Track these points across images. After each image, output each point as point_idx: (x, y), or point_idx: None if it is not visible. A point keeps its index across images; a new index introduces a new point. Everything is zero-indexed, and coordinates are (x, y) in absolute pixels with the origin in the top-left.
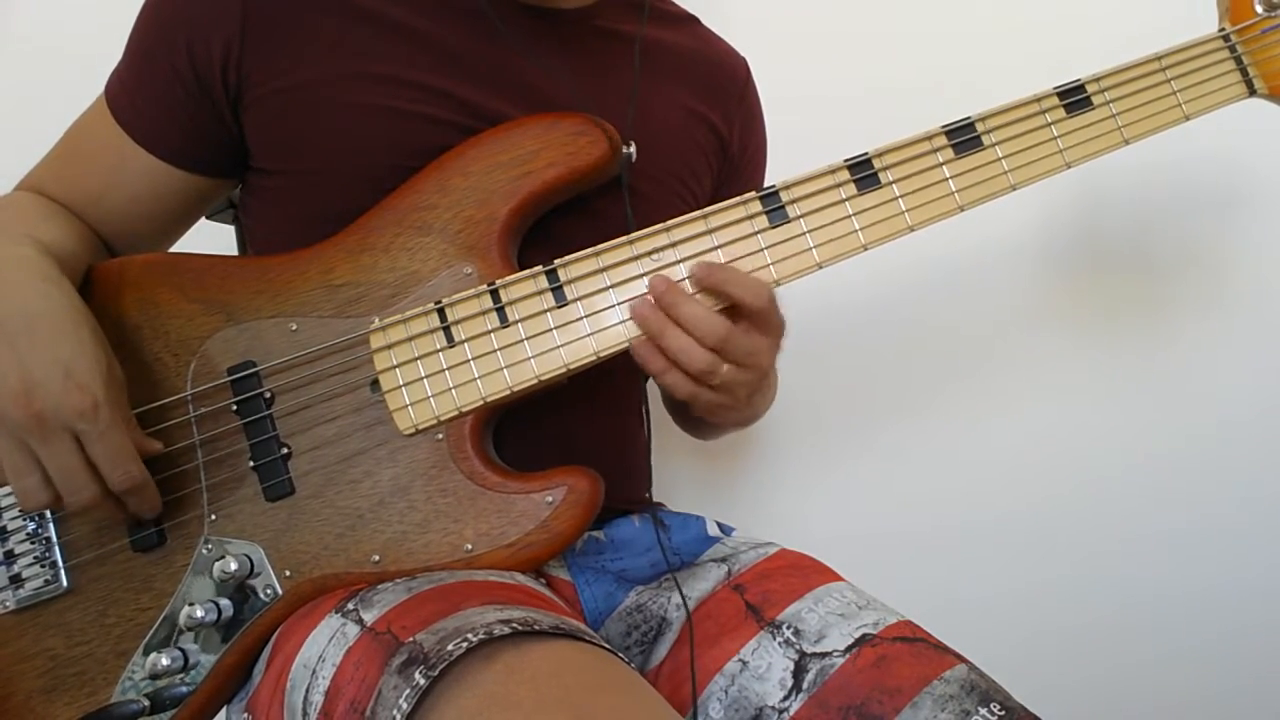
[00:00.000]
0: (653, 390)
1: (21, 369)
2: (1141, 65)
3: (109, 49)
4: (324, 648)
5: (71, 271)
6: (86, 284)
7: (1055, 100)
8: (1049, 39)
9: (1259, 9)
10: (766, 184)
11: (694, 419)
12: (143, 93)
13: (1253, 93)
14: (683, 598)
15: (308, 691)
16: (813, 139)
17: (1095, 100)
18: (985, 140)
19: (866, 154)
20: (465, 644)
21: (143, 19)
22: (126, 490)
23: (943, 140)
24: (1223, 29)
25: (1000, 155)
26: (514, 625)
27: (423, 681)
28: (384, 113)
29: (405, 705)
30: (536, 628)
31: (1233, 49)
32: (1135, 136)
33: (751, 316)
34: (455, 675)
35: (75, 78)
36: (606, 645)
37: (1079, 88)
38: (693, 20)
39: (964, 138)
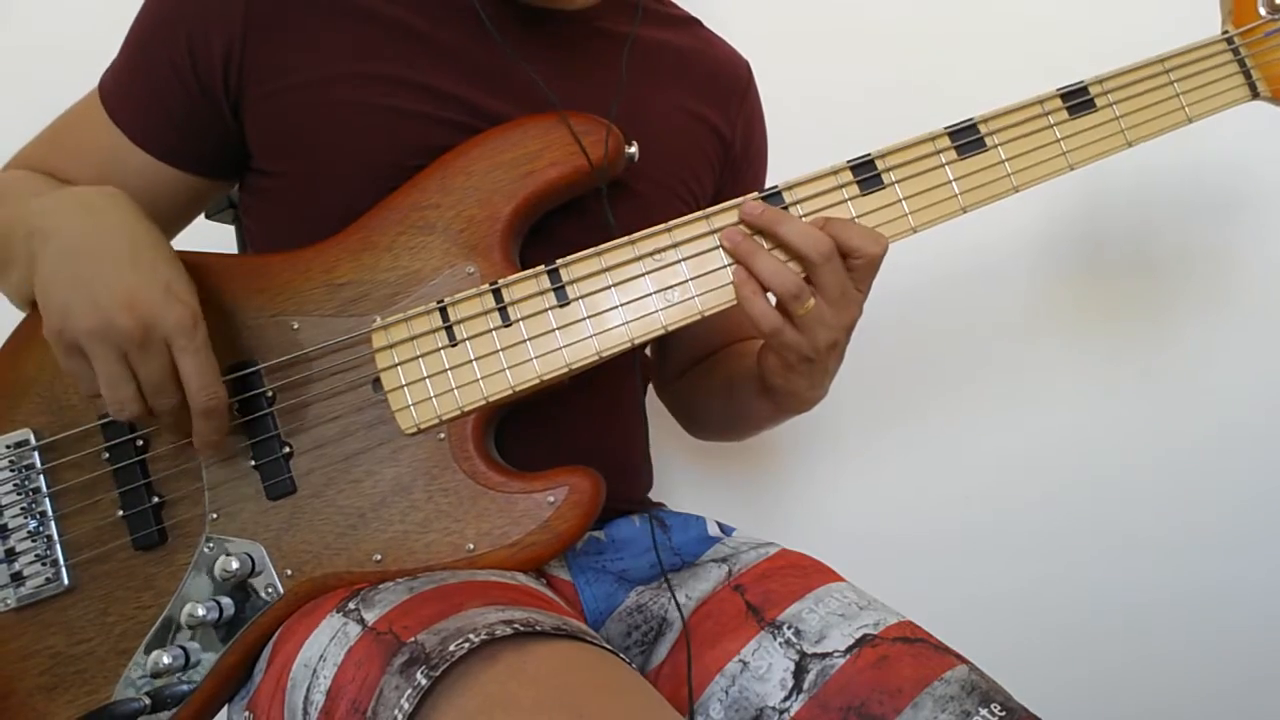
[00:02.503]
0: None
1: (125, 283)
2: (1145, 67)
3: (109, 48)
4: (325, 647)
5: None
6: None
7: (1058, 102)
8: (1052, 40)
9: (1263, 11)
10: (768, 184)
11: (713, 417)
12: (140, 90)
13: (1256, 95)
14: (677, 605)
15: (308, 691)
16: (814, 140)
17: (1099, 102)
18: (988, 142)
19: (869, 155)
20: (467, 644)
21: (142, 16)
22: (208, 410)
23: (946, 141)
24: (1226, 31)
25: (1003, 157)
26: (516, 626)
27: (424, 682)
28: (386, 112)
29: (407, 705)
30: (538, 628)
31: (1236, 51)
32: (1138, 139)
33: (859, 264)
34: (457, 675)
35: (75, 77)
36: (608, 646)
37: (1082, 89)
38: (694, 22)
39: (967, 139)
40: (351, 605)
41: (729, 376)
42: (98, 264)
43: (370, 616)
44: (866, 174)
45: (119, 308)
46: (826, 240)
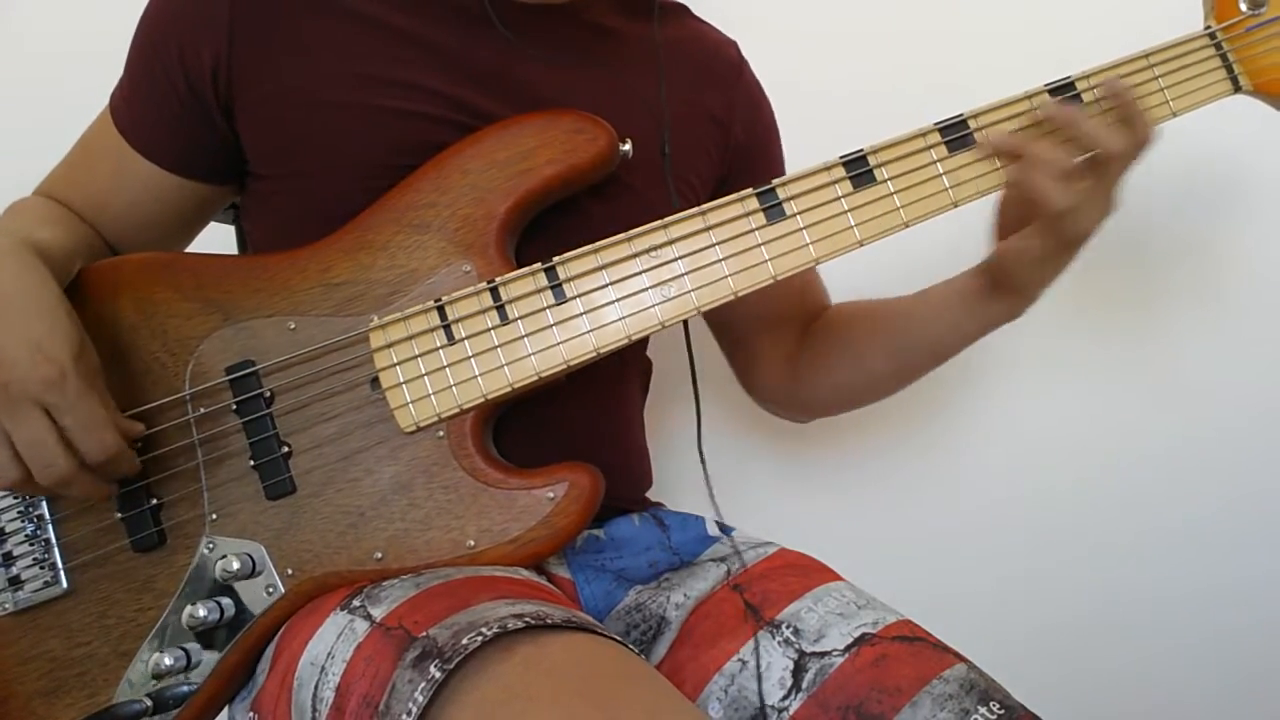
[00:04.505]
0: (659, 394)
1: None
2: (1130, 63)
3: (108, 50)
4: (332, 645)
5: (60, 269)
6: (82, 284)
7: (1046, 97)
8: (1042, 35)
9: (1243, 7)
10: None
11: (865, 382)
12: (140, 102)
13: (1238, 89)
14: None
15: (316, 689)
16: (808, 137)
17: (1085, 97)
18: (978, 137)
19: (862, 151)
20: (480, 637)
21: (139, 31)
22: (103, 460)
23: (936, 137)
24: (1209, 27)
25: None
26: (527, 619)
27: (438, 675)
28: (376, 112)
29: (421, 698)
30: (549, 621)
31: (1218, 46)
32: None
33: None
34: (471, 669)
35: (75, 79)
36: (617, 638)
37: (1069, 85)
38: (682, 10)
39: (957, 135)
40: (356, 602)
41: (895, 323)
42: None
43: (377, 613)
44: (859, 170)
45: None
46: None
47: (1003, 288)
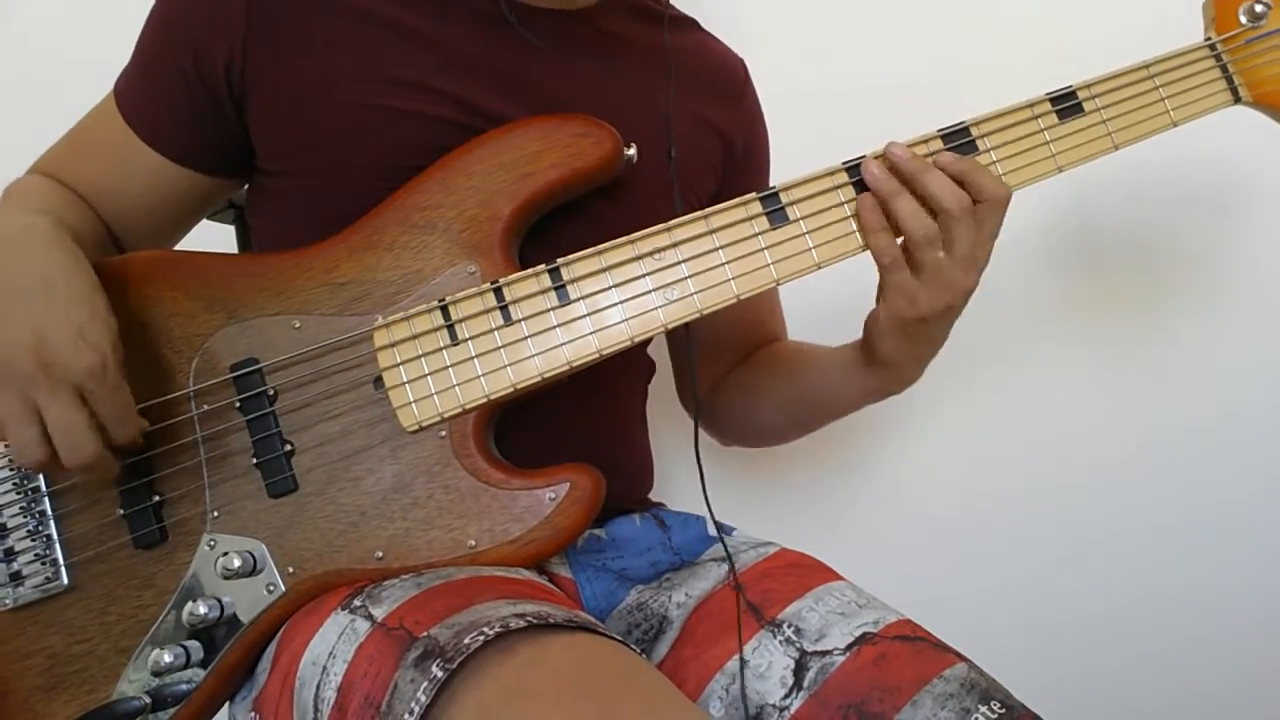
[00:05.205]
0: (660, 395)
1: (35, 325)
2: (1131, 73)
3: (110, 51)
4: (333, 644)
5: (88, 254)
6: None
7: (1048, 106)
8: (1043, 37)
9: (1243, 19)
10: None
11: (765, 419)
12: (149, 92)
13: (1237, 100)
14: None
15: (318, 688)
16: (811, 141)
17: (1086, 106)
18: (980, 145)
19: (864, 157)
20: (481, 637)
21: (150, 20)
22: (128, 446)
23: (938, 144)
24: (1209, 38)
25: (995, 159)
26: (529, 619)
27: (440, 674)
28: (387, 113)
29: (423, 698)
30: (551, 620)
31: (1218, 57)
32: (1124, 142)
33: (988, 210)
34: (472, 668)
35: (76, 80)
36: (618, 638)
37: (1071, 94)
38: (692, 23)
39: (959, 142)
40: (357, 602)
41: (790, 372)
42: (7, 303)
43: (378, 613)
44: (861, 176)
45: (24, 349)
46: (966, 197)
47: (872, 360)
